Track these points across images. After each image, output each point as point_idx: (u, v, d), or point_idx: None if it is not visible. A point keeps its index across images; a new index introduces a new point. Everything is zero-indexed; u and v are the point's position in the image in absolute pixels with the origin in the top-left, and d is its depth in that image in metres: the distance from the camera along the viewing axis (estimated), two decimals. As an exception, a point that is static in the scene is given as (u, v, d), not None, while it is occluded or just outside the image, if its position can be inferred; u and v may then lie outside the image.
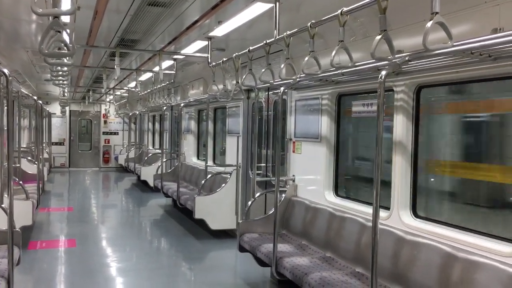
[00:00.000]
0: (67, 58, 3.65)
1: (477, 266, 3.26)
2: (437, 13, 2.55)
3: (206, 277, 6.00)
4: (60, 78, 6.48)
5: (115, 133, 19.94)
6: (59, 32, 2.87)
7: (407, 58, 3.16)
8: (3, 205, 5.00)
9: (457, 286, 3.34)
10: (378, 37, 2.87)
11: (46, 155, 13.79)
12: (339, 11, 3.30)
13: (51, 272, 6.07)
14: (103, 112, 19.82)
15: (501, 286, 3.06)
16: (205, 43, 6.61)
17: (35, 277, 5.94)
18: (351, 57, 3.55)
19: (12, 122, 3.87)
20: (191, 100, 9.71)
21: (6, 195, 4.10)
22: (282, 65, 4.34)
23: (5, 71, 3.74)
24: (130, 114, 17.64)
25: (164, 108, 10.99)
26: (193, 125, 11.10)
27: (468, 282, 3.27)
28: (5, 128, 4.03)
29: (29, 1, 3.53)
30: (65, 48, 3.08)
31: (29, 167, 9.87)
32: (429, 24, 2.55)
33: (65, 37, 2.95)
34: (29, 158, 10.69)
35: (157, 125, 15.52)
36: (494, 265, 3.17)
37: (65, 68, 5.10)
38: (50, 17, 2.71)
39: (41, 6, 2.92)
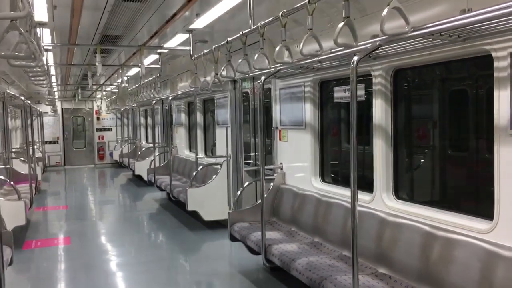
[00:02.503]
0: (32, 59, 3.65)
1: (456, 243, 3.34)
2: (393, -2, 2.58)
3: (201, 268, 6.08)
4: (39, 78, 6.47)
5: (109, 129, 19.92)
6: (21, 33, 2.91)
7: (377, 43, 3.20)
8: (-9, 207, 5.03)
9: (437, 263, 3.42)
10: (341, 24, 2.90)
11: (39, 155, 13.80)
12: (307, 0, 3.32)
13: (47, 270, 6.12)
14: (95, 108, 19.79)
15: (478, 261, 3.13)
16: (187, 35, 6.61)
17: (30, 276, 6.00)
18: (320, 45, 3.59)
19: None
20: (179, 93, 9.73)
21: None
22: (256, 56, 4.36)
23: None
24: (122, 109, 17.62)
25: (154, 102, 11.01)
26: (183, 117, 11.11)
27: (447, 259, 3.35)
28: None
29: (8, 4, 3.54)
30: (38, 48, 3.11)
31: (22, 168, 9.90)
32: (385, 11, 2.58)
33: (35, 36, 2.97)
34: (22, 158, 10.71)
35: (149, 119, 15.53)
36: (472, 242, 3.24)
37: (39, 69, 5.11)
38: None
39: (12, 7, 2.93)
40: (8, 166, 8.12)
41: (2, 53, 3.16)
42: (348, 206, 4.66)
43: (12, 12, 2.79)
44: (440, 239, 3.47)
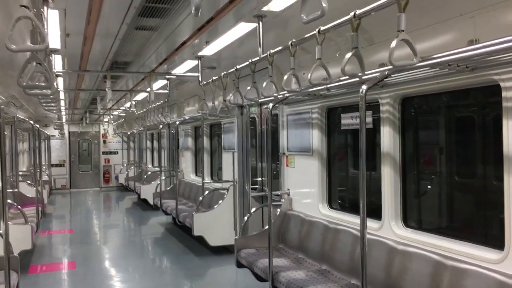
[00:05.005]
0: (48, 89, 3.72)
1: (466, 273, 3.30)
2: (402, 30, 2.61)
3: (206, 294, 6.03)
4: (50, 104, 6.56)
5: (115, 153, 20.01)
6: (39, 64, 2.98)
7: (386, 73, 3.24)
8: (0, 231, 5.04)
9: (447, 294, 3.38)
10: (349, 54, 2.94)
11: (46, 178, 13.84)
12: (316, 30, 3.38)
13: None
14: (102, 132, 19.92)
15: (490, 292, 3.09)
16: (195, 62, 6.71)
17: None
18: (329, 74, 3.63)
19: (5, 147, 3.94)
20: (186, 117, 9.81)
21: (2, 221, 4.15)
22: (264, 83, 4.42)
23: None
24: (129, 133, 17.73)
25: (161, 126, 11.09)
26: (190, 142, 11.16)
27: (457, 290, 3.31)
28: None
29: (22, 30, 3.61)
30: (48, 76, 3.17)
31: (29, 191, 9.92)
32: (394, 42, 2.63)
33: (49, 67, 3.04)
34: (29, 182, 10.74)
35: (155, 143, 15.60)
36: (482, 272, 3.20)
37: (52, 96, 5.19)
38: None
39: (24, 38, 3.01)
40: (16, 190, 8.15)
41: (24, 84, 3.22)
42: (356, 234, 4.63)
43: (32, 45, 2.86)
44: (450, 269, 3.43)
